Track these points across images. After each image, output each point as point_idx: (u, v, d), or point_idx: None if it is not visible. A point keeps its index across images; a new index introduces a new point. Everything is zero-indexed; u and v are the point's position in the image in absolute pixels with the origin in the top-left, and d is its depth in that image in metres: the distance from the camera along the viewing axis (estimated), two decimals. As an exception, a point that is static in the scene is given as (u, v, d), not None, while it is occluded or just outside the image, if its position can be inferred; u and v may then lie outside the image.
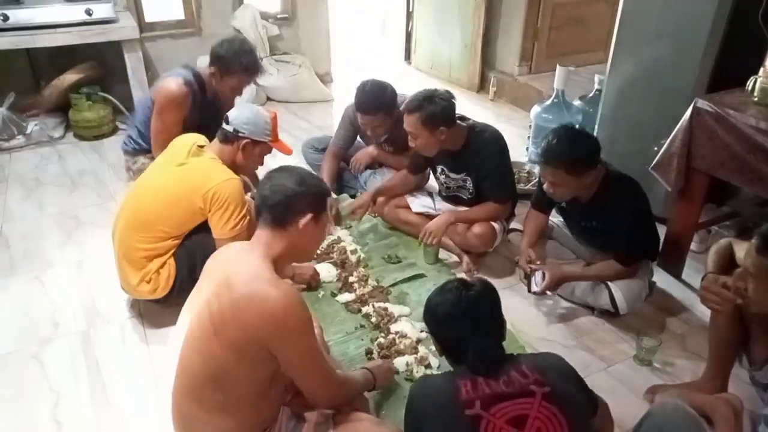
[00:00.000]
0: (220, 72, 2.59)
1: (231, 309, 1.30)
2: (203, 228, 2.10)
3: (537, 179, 3.17)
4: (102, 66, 3.89)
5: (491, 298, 1.44)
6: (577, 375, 1.41)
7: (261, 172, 3.13)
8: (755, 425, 1.63)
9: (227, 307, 1.31)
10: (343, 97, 4.45)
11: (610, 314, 2.24)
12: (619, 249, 2.15)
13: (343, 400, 1.52)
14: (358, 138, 3.18)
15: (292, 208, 1.41)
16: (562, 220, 2.50)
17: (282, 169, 1.50)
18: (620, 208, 2.08)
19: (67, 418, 1.85)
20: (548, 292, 2.28)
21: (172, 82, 2.59)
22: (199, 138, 2.21)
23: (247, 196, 2.22)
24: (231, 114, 2.13)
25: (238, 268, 1.37)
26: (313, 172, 1.65)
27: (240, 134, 2.11)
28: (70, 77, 3.72)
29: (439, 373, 1.90)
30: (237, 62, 2.55)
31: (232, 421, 1.38)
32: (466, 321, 1.38)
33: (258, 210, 1.45)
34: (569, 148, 2.01)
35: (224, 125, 2.13)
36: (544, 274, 2.19)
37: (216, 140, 2.16)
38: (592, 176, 2.06)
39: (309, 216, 1.43)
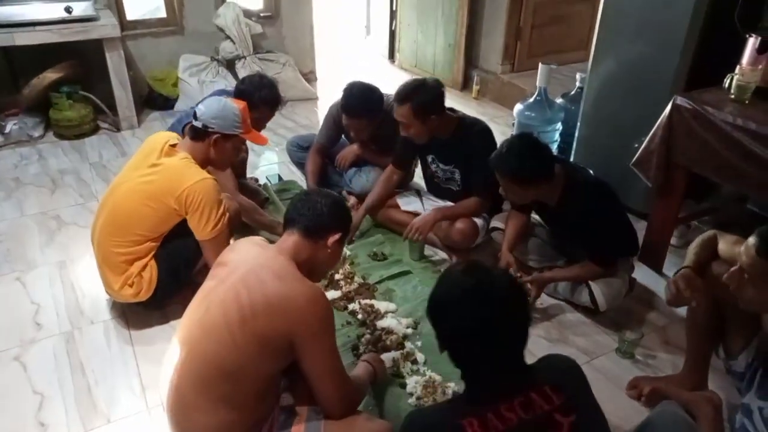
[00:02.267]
0: None
1: (263, 302, 1.36)
2: (182, 230, 2.08)
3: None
4: (83, 65, 3.84)
5: (519, 296, 1.18)
6: (586, 381, 1.23)
7: (249, 170, 3.15)
8: (732, 414, 1.68)
9: (259, 300, 1.36)
10: (328, 95, 4.45)
11: (590, 311, 2.27)
12: (593, 253, 2.19)
13: (355, 405, 1.55)
14: (343, 137, 3.18)
15: (326, 224, 1.53)
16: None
17: (318, 191, 1.65)
18: (584, 217, 2.09)
19: (52, 420, 1.83)
20: (538, 302, 2.32)
21: None
22: (172, 136, 2.18)
23: (224, 195, 2.20)
24: (199, 109, 2.10)
25: (268, 263, 1.45)
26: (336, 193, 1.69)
27: (209, 129, 2.07)
28: (49, 76, 3.67)
29: (431, 404, 1.62)
30: (257, 96, 2.57)
31: (236, 415, 1.40)
32: (486, 324, 1.11)
33: (291, 219, 1.54)
34: (516, 161, 2.03)
35: (193, 121, 2.10)
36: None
37: (187, 138, 2.13)
38: (544, 188, 2.09)
39: (338, 235, 1.54)
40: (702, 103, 2.16)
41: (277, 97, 2.67)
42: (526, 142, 2.10)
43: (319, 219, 1.52)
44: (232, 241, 2.21)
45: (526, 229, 2.46)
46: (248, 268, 1.44)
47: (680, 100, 2.22)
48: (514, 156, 2.04)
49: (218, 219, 2.05)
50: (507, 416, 1.08)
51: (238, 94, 2.62)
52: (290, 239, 1.51)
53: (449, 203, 2.66)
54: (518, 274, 2.30)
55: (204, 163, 2.11)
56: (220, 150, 2.12)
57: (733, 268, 1.43)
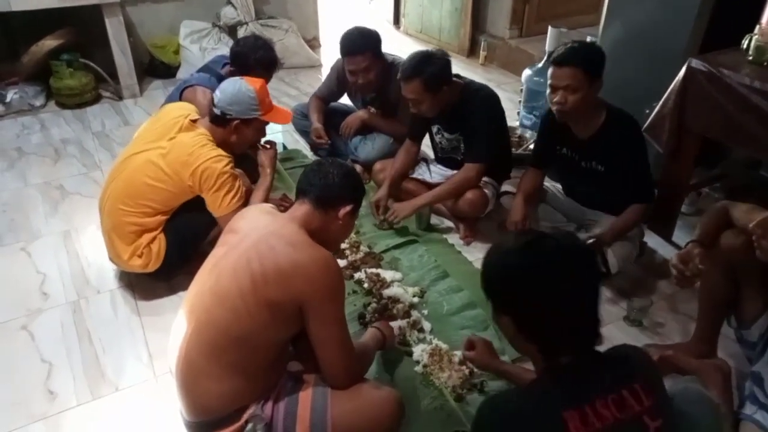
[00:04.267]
0: (239, 70, 2.50)
1: (275, 269, 1.35)
2: (191, 204, 2.07)
3: (532, 140, 3.17)
4: (82, 32, 3.77)
5: (592, 262, 1.10)
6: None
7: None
8: (741, 382, 1.67)
9: (271, 267, 1.35)
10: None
11: (602, 275, 2.24)
12: (636, 186, 2.15)
13: (359, 376, 1.53)
14: (351, 103, 3.13)
15: (338, 195, 1.51)
16: (557, 186, 2.50)
17: (331, 161, 1.59)
18: (629, 143, 2.08)
19: (61, 388, 1.85)
20: None
21: (201, 97, 2.43)
22: (192, 110, 2.15)
23: (237, 171, 2.16)
24: (216, 95, 2.06)
25: (280, 231, 1.43)
26: (345, 162, 1.64)
27: (228, 116, 2.03)
28: (49, 43, 3.61)
29: (520, 391, 1.33)
30: (252, 58, 2.49)
31: (246, 382, 1.41)
32: (562, 286, 1.03)
33: (302, 189, 1.52)
34: (584, 48, 2.07)
35: (212, 107, 2.06)
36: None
37: (207, 118, 2.10)
38: (595, 92, 2.04)
39: (350, 207, 1.52)
40: (718, 66, 2.09)
41: (274, 59, 2.60)
42: (589, 42, 2.23)
43: (331, 190, 1.50)
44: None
45: (541, 186, 2.43)
46: (259, 235, 1.43)
47: (695, 63, 2.14)
48: (581, 47, 2.07)
49: (234, 194, 2.03)
50: (603, 414, 1.00)
51: (233, 56, 2.56)
52: (301, 209, 1.50)
53: (455, 171, 2.62)
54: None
55: (222, 143, 2.07)
56: (242, 134, 2.09)
57: (760, 217, 1.39)
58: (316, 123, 2.94)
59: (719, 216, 1.66)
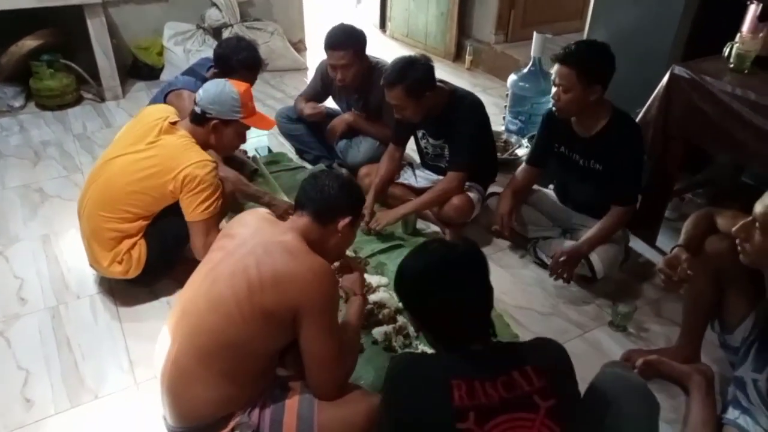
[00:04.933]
0: (222, 72, 2.47)
1: (272, 276, 1.35)
2: (172, 209, 2.03)
3: (518, 145, 3.18)
4: (63, 32, 3.71)
5: (478, 261, 1.23)
6: (573, 370, 1.23)
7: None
8: (723, 387, 1.68)
9: (268, 275, 1.35)
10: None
11: (587, 280, 2.26)
12: (621, 188, 2.15)
13: (344, 386, 1.50)
14: (337, 107, 3.12)
15: (336, 208, 1.50)
16: (547, 191, 2.51)
17: (328, 173, 1.60)
18: (629, 142, 2.10)
19: (38, 396, 1.80)
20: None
21: (188, 102, 2.38)
22: (171, 112, 2.12)
23: (223, 175, 2.14)
24: (198, 93, 2.03)
25: (278, 238, 1.43)
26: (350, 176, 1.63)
27: (208, 115, 2.00)
28: (28, 43, 3.54)
29: (426, 353, 1.54)
30: (235, 59, 2.47)
31: (235, 389, 1.40)
32: (447, 286, 1.17)
33: (300, 202, 1.52)
34: (586, 51, 2.06)
35: (194, 106, 2.04)
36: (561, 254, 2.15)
37: (188, 119, 2.06)
38: (593, 95, 2.04)
39: (348, 219, 1.51)
40: (700, 73, 2.11)
41: (257, 60, 2.57)
42: (599, 42, 2.15)
43: (328, 202, 1.50)
44: (224, 222, 2.17)
45: (531, 185, 2.45)
46: (257, 241, 1.42)
47: (678, 70, 2.17)
48: (585, 47, 2.08)
49: (211, 202, 1.98)
50: (490, 393, 1.10)
51: (216, 59, 2.53)
52: (301, 221, 1.49)
53: (441, 177, 2.61)
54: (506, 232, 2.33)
55: (204, 146, 2.04)
56: (221, 136, 2.05)
57: (743, 221, 1.41)
58: (308, 109, 2.97)
59: (703, 221, 1.67)
